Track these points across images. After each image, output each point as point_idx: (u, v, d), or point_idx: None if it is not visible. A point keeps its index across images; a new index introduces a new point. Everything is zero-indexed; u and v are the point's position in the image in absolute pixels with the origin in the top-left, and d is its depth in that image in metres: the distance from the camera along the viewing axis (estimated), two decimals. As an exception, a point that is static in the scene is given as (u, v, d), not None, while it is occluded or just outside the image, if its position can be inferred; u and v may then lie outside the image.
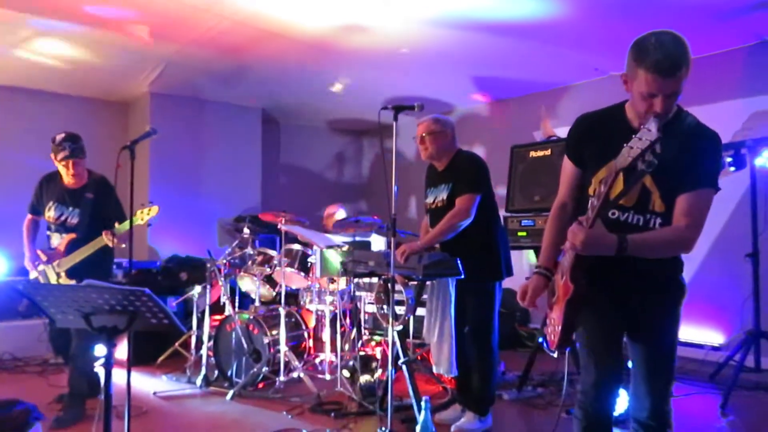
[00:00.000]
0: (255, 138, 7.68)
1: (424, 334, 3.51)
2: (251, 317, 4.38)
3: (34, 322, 5.30)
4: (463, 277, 3.22)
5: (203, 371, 4.40)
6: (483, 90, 6.72)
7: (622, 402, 2.87)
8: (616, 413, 2.20)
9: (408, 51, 5.30)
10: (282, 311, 4.35)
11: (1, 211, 5.90)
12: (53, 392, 4.05)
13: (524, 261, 5.79)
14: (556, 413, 3.71)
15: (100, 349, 2.09)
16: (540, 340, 2.17)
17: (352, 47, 5.24)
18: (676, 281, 2.07)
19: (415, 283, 3.43)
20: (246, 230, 4.87)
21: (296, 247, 4.73)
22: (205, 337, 4.50)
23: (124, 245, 3.53)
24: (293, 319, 4.71)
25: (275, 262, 4.68)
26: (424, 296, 3.61)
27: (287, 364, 4.32)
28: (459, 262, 3.20)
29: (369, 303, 4.97)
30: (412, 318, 4.25)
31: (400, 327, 3.37)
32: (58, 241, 3.71)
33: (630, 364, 2.13)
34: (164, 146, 6.68)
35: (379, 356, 4.29)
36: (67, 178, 3.70)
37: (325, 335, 4.72)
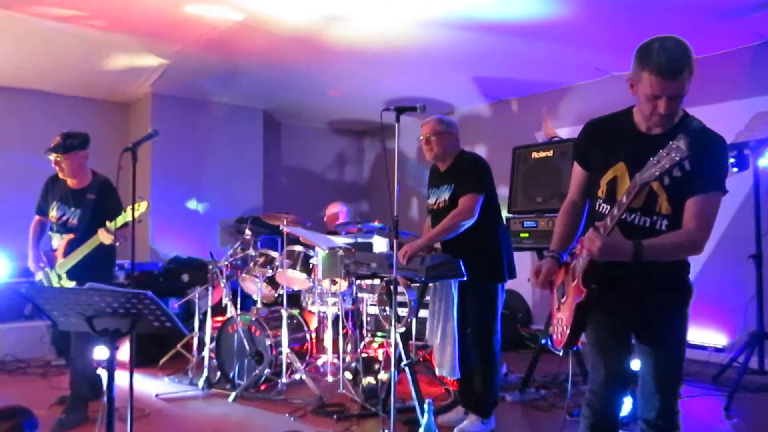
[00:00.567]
0: (256, 139, 7.67)
1: (426, 336, 3.50)
2: (253, 319, 4.37)
3: (37, 324, 5.30)
4: (465, 278, 3.21)
5: (205, 373, 4.40)
6: (484, 90, 6.71)
7: (626, 404, 2.86)
8: (621, 414, 2.21)
9: (410, 51, 5.29)
10: (284, 313, 4.34)
11: (2, 212, 5.91)
12: (55, 394, 4.04)
13: (526, 262, 5.78)
14: (562, 416, 3.71)
15: (100, 351, 2.08)
16: (544, 341, 2.18)
17: (352, 48, 5.24)
18: (684, 282, 2.10)
19: (418, 284, 3.42)
20: (248, 231, 4.86)
21: (298, 248, 4.72)
22: (207, 339, 4.49)
23: (119, 243, 3.53)
24: (295, 321, 4.70)
25: (277, 263, 4.68)
26: (427, 298, 3.60)
27: (289, 365, 4.31)
28: (462, 263, 3.19)
29: (371, 305, 4.97)
30: (414, 320, 4.25)
31: (403, 329, 3.36)
32: (58, 241, 3.71)
33: (638, 365, 2.15)
34: (166, 147, 6.68)
35: (381, 358, 4.28)
36: (62, 176, 3.70)
37: (327, 337, 4.71)
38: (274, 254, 4.78)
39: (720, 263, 4.92)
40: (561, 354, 2.16)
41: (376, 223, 4.48)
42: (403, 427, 3.42)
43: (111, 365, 2.10)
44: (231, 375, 4.39)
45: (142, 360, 4.86)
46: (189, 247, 6.61)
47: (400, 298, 3.28)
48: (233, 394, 4.11)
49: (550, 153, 4.24)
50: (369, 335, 4.91)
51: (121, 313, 2.04)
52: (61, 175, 3.71)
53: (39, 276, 3.72)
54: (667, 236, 1.98)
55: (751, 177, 4.39)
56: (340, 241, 4.76)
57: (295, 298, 5.35)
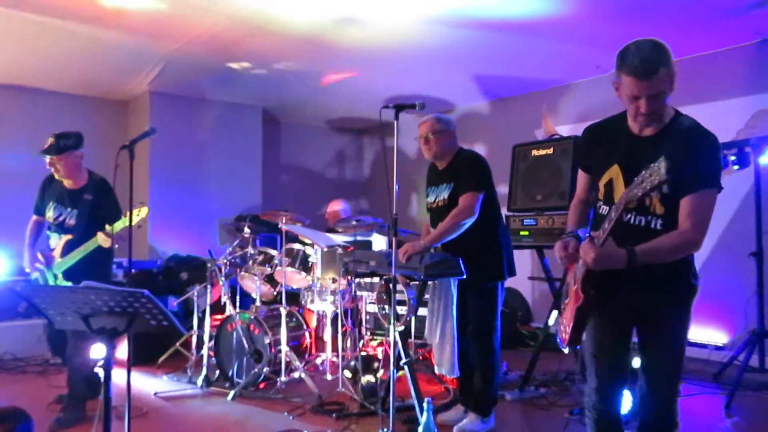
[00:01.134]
0: (255, 137, 7.66)
1: (425, 334, 3.49)
2: (252, 317, 4.36)
3: (35, 322, 5.28)
4: (465, 277, 3.20)
5: (204, 371, 4.39)
6: (484, 88, 6.70)
7: (626, 402, 2.86)
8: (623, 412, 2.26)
9: (409, 49, 5.27)
10: (283, 311, 4.33)
11: (1, 210, 5.90)
12: (54, 392, 4.03)
13: (526, 260, 5.77)
14: (562, 414, 3.70)
15: (96, 350, 2.07)
16: (557, 339, 2.28)
17: (351, 45, 5.22)
18: (683, 280, 2.10)
19: (417, 283, 3.41)
20: (247, 229, 4.85)
21: (297, 246, 4.71)
22: (205, 337, 4.48)
23: (117, 245, 3.51)
24: (294, 319, 4.69)
25: (276, 261, 4.67)
26: (426, 296, 3.58)
27: (288, 364, 4.30)
28: (461, 262, 3.18)
29: (370, 303, 4.96)
30: (413, 318, 4.24)
31: (402, 327, 3.35)
32: (56, 242, 3.69)
33: (638, 363, 2.18)
34: (164, 145, 6.66)
35: (380, 356, 4.27)
36: (58, 177, 3.68)
37: (327, 335, 4.70)
38: (273, 252, 4.76)
39: (721, 261, 4.91)
40: (567, 351, 2.23)
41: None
42: (402, 425, 3.41)
43: (108, 364, 2.09)
44: (230, 373, 4.38)
45: (141, 358, 4.85)
46: (188, 245, 6.60)
47: (399, 297, 3.26)
48: (232, 393, 4.10)
49: (550, 151, 4.23)
50: (368, 333, 4.91)
51: (117, 311, 2.03)
52: (57, 176, 3.69)
53: (35, 276, 3.71)
54: (661, 239, 2.00)
55: (752, 175, 4.37)
56: (339, 239, 4.74)
57: (294, 297, 5.34)
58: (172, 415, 3.84)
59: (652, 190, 1.79)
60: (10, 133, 6.36)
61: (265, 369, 4.23)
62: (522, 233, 4.22)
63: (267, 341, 4.24)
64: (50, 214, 3.72)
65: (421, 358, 4.46)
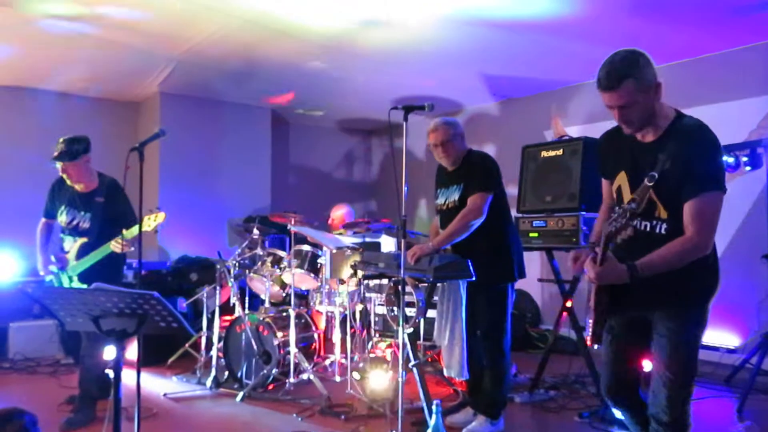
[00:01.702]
0: (265, 138, 7.67)
1: (434, 336, 3.48)
2: (261, 318, 4.37)
3: (46, 323, 5.32)
4: (474, 279, 3.18)
5: (213, 372, 4.40)
6: (493, 89, 6.67)
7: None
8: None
9: (426, 49, 5.26)
10: (292, 312, 4.34)
11: (12, 211, 5.94)
12: (64, 393, 4.05)
13: (536, 262, 5.73)
14: (572, 418, 3.68)
15: (109, 352, 2.08)
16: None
17: (359, 46, 5.21)
18: (699, 281, 2.13)
19: (426, 285, 3.40)
20: (256, 231, 4.86)
21: (306, 248, 4.72)
22: (215, 338, 4.50)
23: (132, 248, 3.52)
24: (303, 321, 4.70)
25: (285, 263, 4.67)
26: (435, 298, 3.57)
27: (297, 365, 4.31)
28: (470, 264, 3.16)
29: (379, 304, 4.95)
30: (422, 320, 4.23)
31: (411, 329, 3.34)
32: (70, 245, 3.70)
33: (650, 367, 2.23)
34: (174, 146, 6.68)
35: (389, 358, 4.26)
36: (68, 181, 3.68)
37: (335, 337, 4.70)
38: (282, 254, 4.77)
39: (732, 263, 4.84)
40: (596, 348, 2.29)
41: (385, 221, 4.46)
42: (411, 427, 3.41)
43: (118, 365, 2.10)
44: (239, 374, 4.39)
45: (151, 359, 4.87)
46: (197, 246, 6.61)
47: (408, 299, 3.25)
48: (241, 394, 4.11)
49: (560, 152, 4.19)
50: (377, 335, 4.90)
51: (127, 313, 2.04)
52: (69, 182, 3.69)
53: (49, 278, 3.72)
54: (663, 249, 2.00)
55: (764, 176, 4.33)
56: (348, 240, 4.74)
57: (303, 298, 5.34)
58: (181, 416, 3.86)
59: (620, 230, 1.92)
60: (22, 134, 6.41)
61: (274, 370, 4.23)
62: (531, 235, 4.19)
63: (276, 343, 4.25)
64: (63, 218, 3.73)
65: (430, 360, 4.44)
